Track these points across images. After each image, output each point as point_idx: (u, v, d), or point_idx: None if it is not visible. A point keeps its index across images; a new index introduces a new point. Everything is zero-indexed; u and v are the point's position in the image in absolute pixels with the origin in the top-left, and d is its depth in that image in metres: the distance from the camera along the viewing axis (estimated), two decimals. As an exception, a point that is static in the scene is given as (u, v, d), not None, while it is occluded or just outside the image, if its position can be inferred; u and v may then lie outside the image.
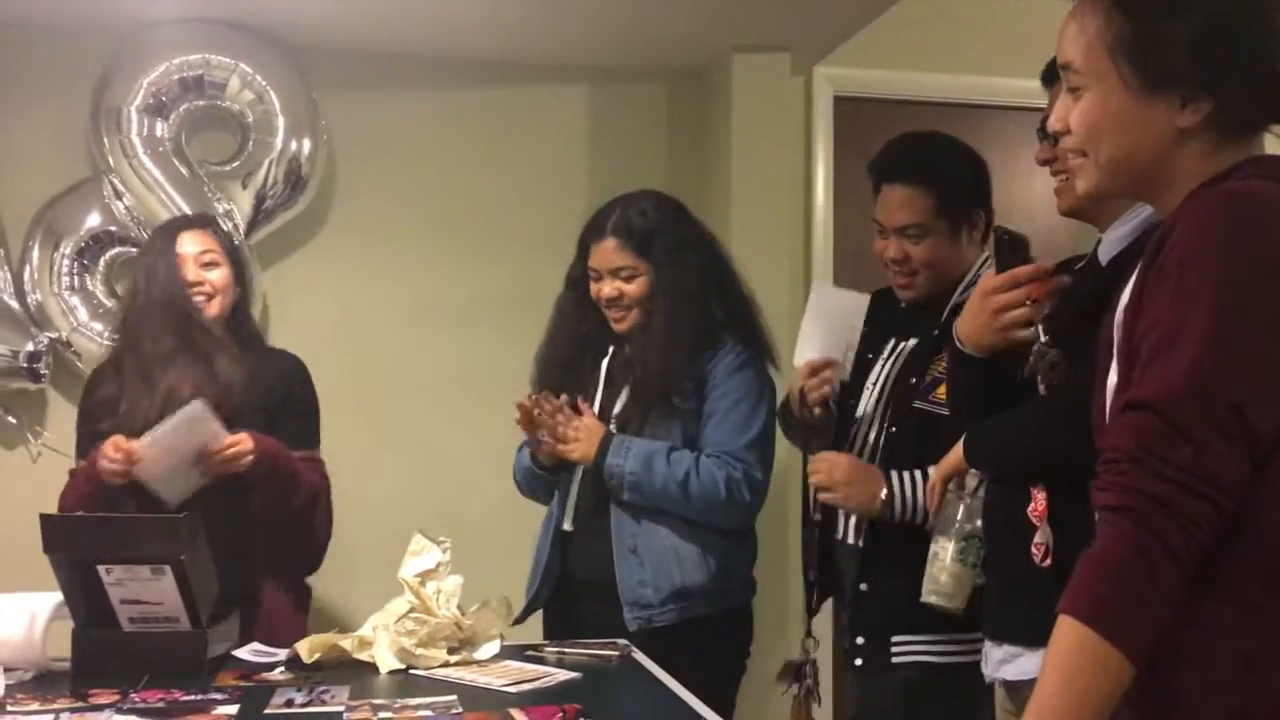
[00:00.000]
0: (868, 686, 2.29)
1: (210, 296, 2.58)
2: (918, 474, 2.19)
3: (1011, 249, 1.76)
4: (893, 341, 2.36)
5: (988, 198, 2.33)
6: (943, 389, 2.15)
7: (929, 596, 1.98)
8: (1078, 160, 1.37)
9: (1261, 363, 1.17)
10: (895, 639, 2.21)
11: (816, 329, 2.40)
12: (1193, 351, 1.16)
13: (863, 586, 2.27)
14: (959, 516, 1.95)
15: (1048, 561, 1.67)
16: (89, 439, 2.52)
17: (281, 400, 2.62)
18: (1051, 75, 1.88)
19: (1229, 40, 1.27)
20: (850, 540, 2.31)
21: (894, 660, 2.21)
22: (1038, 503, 1.71)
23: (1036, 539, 1.69)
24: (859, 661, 2.26)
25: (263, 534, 2.47)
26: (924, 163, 2.30)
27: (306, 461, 2.59)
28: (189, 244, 2.60)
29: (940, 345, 2.17)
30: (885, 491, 2.20)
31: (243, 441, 2.41)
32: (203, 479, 2.42)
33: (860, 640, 2.26)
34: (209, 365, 2.51)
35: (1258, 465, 1.17)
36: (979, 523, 1.92)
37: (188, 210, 3.32)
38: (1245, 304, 1.17)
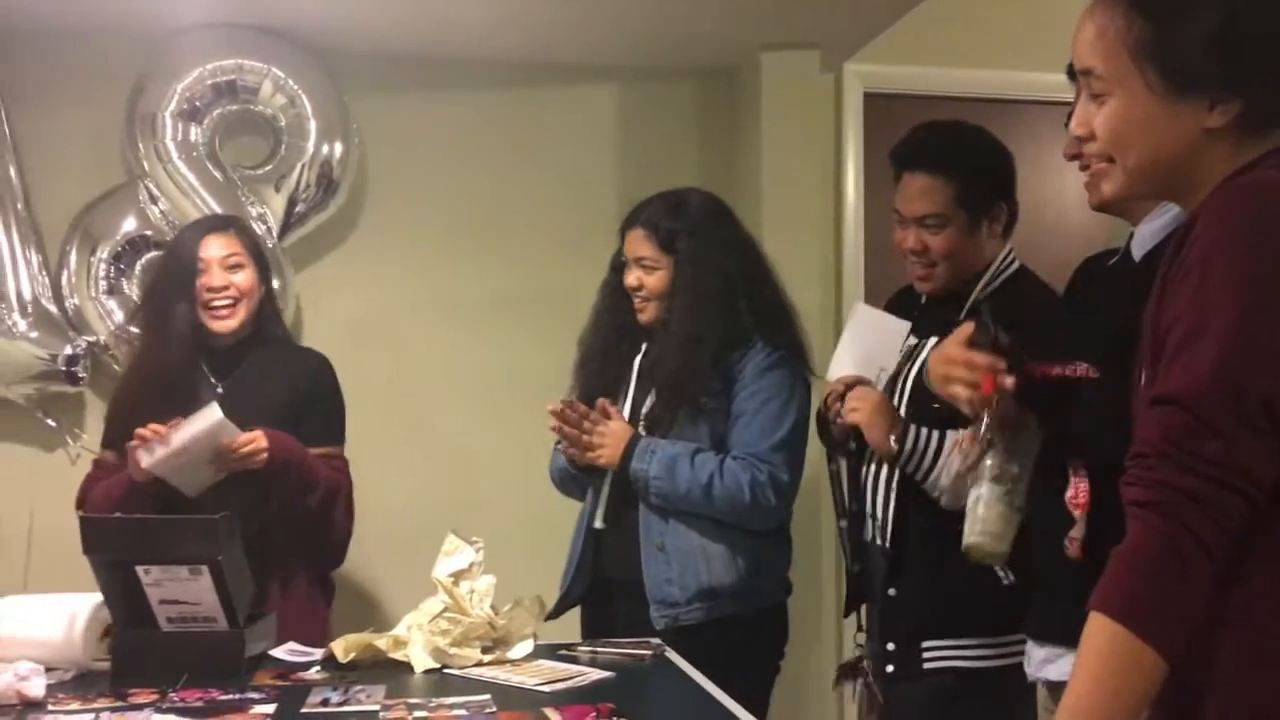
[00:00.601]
0: (899, 692, 2.26)
1: (236, 300, 2.60)
2: (937, 434, 2.15)
3: (982, 331, 1.74)
4: (913, 340, 2.33)
5: (1011, 190, 2.29)
6: None
7: (971, 537, 1.85)
8: (1102, 165, 1.35)
9: None
10: (926, 644, 2.19)
11: (853, 347, 2.39)
12: (1218, 345, 1.15)
13: (891, 592, 2.24)
14: (1000, 461, 1.90)
15: (1079, 554, 1.65)
16: (115, 437, 2.59)
17: (305, 397, 2.65)
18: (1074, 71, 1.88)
19: (1253, 37, 1.25)
20: (878, 542, 2.29)
21: (925, 666, 2.19)
22: (1078, 492, 1.68)
23: (1072, 533, 1.67)
24: (890, 668, 2.24)
25: (282, 531, 2.50)
26: (945, 151, 2.26)
27: (326, 458, 2.61)
28: (214, 248, 2.61)
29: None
30: (898, 434, 2.16)
31: (257, 439, 2.43)
32: (218, 474, 2.46)
33: (891, 646, 2.23)
34: (216, 382, 2.58)
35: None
36: (1018, 469, 1.86)
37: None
38: (1270, 297, 1.16)
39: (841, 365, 2.38)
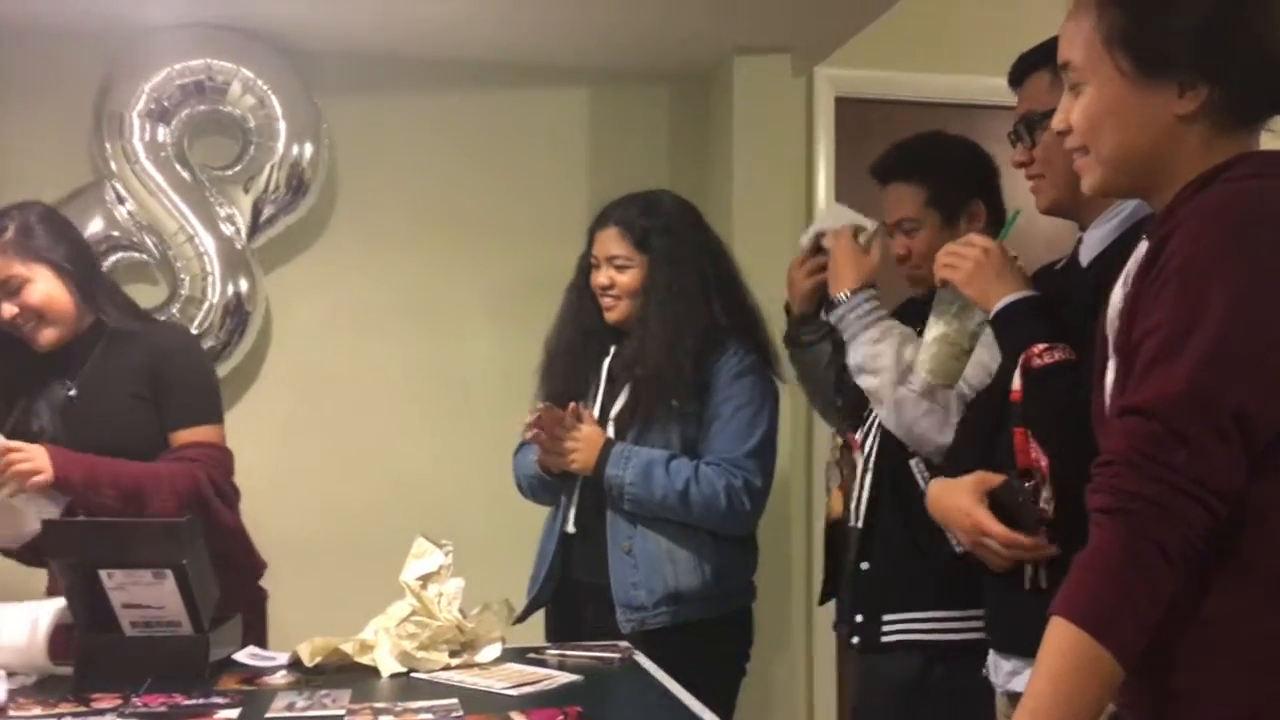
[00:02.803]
0: (867, 665, 2.29)
1: (37, 324, 2.35)
2: (883, 314, 2.18)
3: (1024, 511, 1.70)
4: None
5: (988, 189, 2.34)
6: None
7: (922, 371, 2.00)
8: (1081, 159, 1.36)
9: (1262, 369, 1.16)
10: (886, 618, 2.20)
11: (823, 217, 2.50)
12: (1194, 357, 1.16)
13: (864, 565, 2.27)
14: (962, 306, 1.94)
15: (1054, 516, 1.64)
16: None
17: (162, 379, 2.40)
18: (1017, 76, 1.90)
19: (1225, 25, 1.26)
20: (851, 522, 2.31)
21: (884, 640, 2.20)
22: (1039, 455, 1.67)
23: (1044, 494, 1.65)
24: (856, 640, 2.26)
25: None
26: (915, 159, 2.35)
27: (188, 447, 2.39)
28: None
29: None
30: (849, 292, 2.20)
31: (35, 457, 2.20)
32: (38, 511, 2.23)
33: (860, 618, 2.25)
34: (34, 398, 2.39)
35: (1258, 468, 1.17)
36: (976, 324, 1.94)
37: (190, 215, 3.33)
38: (1247, 309, 1.16)
39: (809, 231, 2.43)
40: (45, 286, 2.35)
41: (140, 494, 2.28)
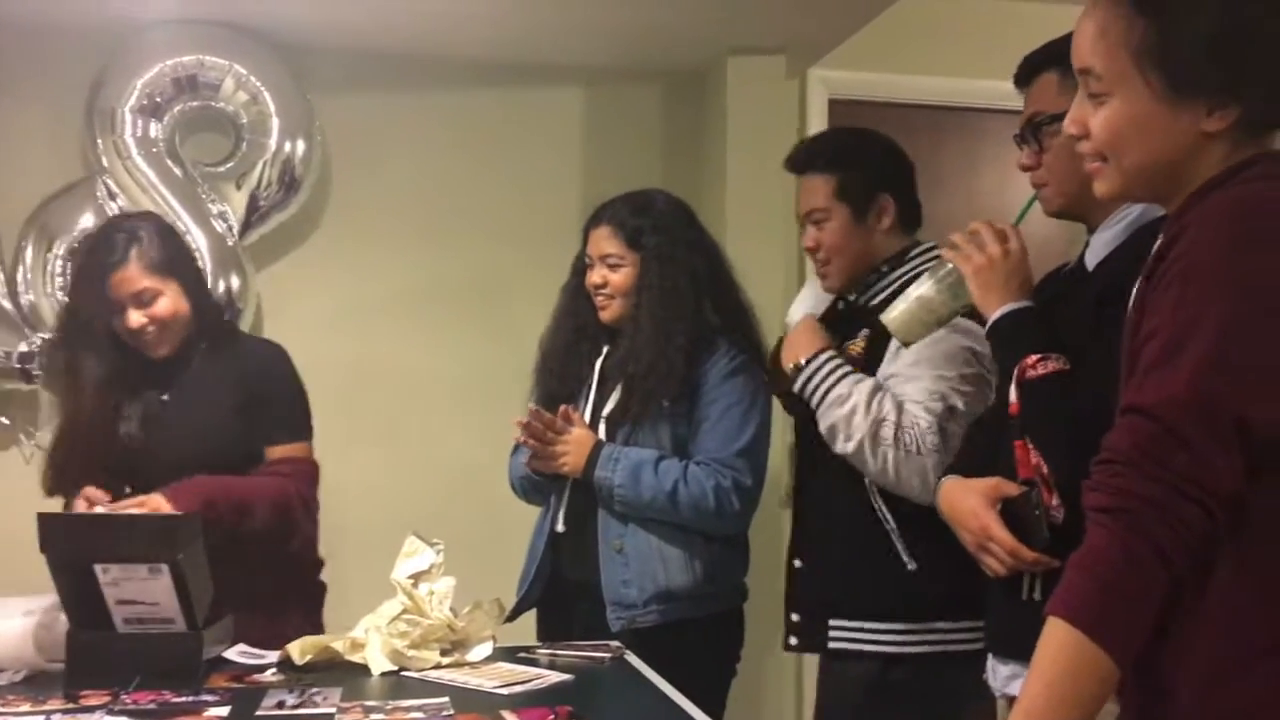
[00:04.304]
0: (830, 670, 2.29)
1: (159, 334, 2.40)
2: (843, 371, 2.18)
3: (1034, 524, 1.69)
4: None
5: (898, 184, 2.33)
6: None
7: (891, 313, 1.98)
8: (1096, 164, 1.34)
9: (1265, 373, 1.16)
10: (833, 623, 2.20)
11: (809, 295, 2.47)
12: (1197, 360, 1.16)
13: (797, 563, 2.27)
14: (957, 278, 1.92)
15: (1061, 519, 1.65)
16: (59, 483, 2.43)
17: (256, 396, 2.46)
18: (1022, 78, 1.88)
19: (1253, 41, 1.25)
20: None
21: (831, 646, 2.20)
22: (1041, 462, 1.67)
23: (1053, 502, 1.64)
24: (794, 640, 2.26)
25: (235, 564, 2.30)
26: (825, 151, 2.36)
27: (281, 463, 2.46)
28: (121, 287, 2.36)
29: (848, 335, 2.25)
30: (805, 360, 2.21)
31: (148, 504, 2.24)
32: None
33: (795, 618, 2.25)
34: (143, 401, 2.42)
35: (1254, 471, 1.17)
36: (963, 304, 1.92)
37: (181, 211, 3.32)
38: (1251, 314, 1.17)
39: (798, 309, 2.44)
40: (173, 300, 2.40)
41: (250, 509, 2.36)
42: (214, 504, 2.30)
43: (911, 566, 2.13)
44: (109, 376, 2.39)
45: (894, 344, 2.11)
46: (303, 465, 2.52)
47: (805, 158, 2.36)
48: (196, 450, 2.37)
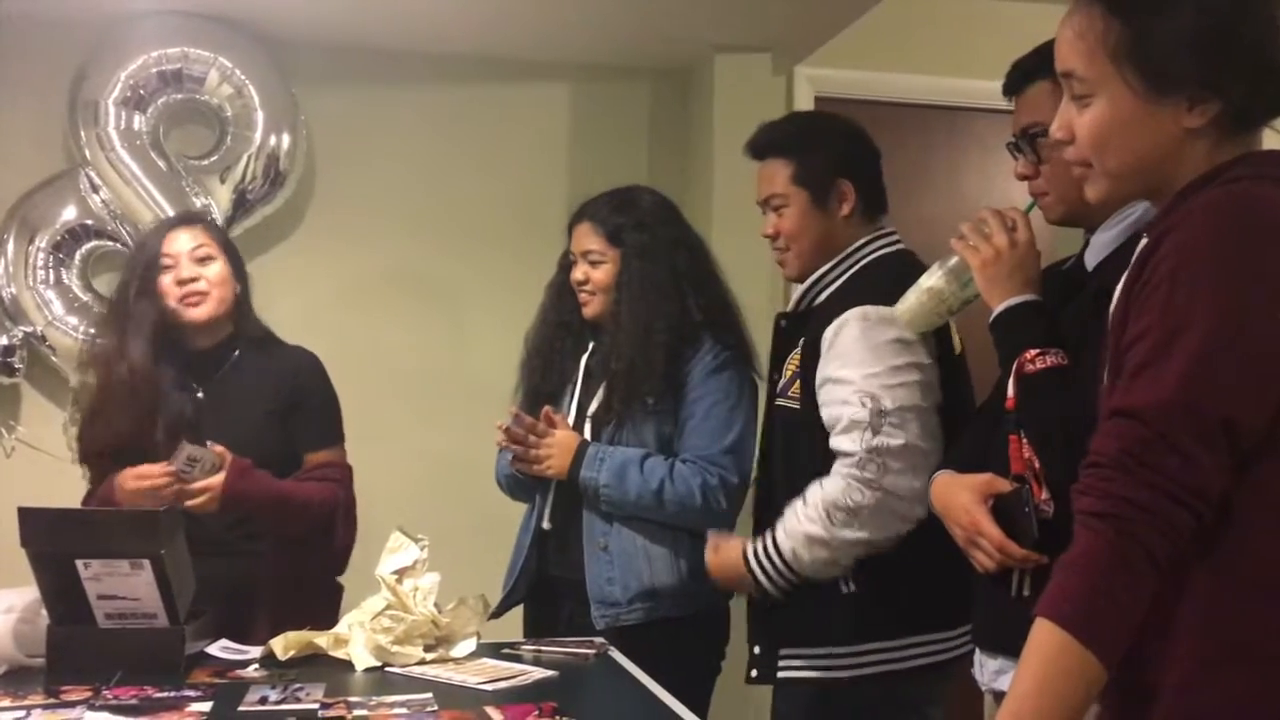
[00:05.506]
0: (776, 699, 2.25)
1: (205, 294, 2.48)
2: (770, 543, 2.12)
3: (1024, 521, 1.67)
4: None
5: (860, 170, 2.26)
6: (797, 386, 2.16)
7: (900, 305, 1.99)
8: (1082, 170, 1.34)
9: (1252, 374, 1.17)
10: (783, 652, 2.16)
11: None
12: (1185, 362, 1.16)
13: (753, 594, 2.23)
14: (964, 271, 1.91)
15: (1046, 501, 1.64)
16: (92, 452, 2.50)
17: (292, 400, 2.54)
18: (1013, 85, 1.88)
19: (1229, 36, 1.25)
20: None
21: (780, 675, 2.16)
22: (1034, 456, 1.66)
23: (1042, 496, 1.63)
24: (754, 673, 2.21)
25: (277, 565, 2.43)
26: (784, 135, 2.31)
27: (321, 467, 2.53)
28: (180, 242, 2.49)
29: (793, 343, 2.20)
30: (748, 558, 2.15)
31: (209, 486, 2.32)
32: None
33: (757, 650, 2.21)
34: (190, 389, 2.48)
35: (1239, 471, 1.18)
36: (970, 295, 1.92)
37: (165, 204, 3.31)
38: (1239, 315, 1.17)
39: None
40: (225, 272, 2.52)
41: (324, 511, 2.48)
42: (252, 506, 2.38)
43: (846, 590, 2.09)
44: (153, 354, 2.44)
45: (825, 343, 2.09)
46: (343, 470, 2.60)
47: (764, 142, 2.31)
48: (228, 447, 2.38)
